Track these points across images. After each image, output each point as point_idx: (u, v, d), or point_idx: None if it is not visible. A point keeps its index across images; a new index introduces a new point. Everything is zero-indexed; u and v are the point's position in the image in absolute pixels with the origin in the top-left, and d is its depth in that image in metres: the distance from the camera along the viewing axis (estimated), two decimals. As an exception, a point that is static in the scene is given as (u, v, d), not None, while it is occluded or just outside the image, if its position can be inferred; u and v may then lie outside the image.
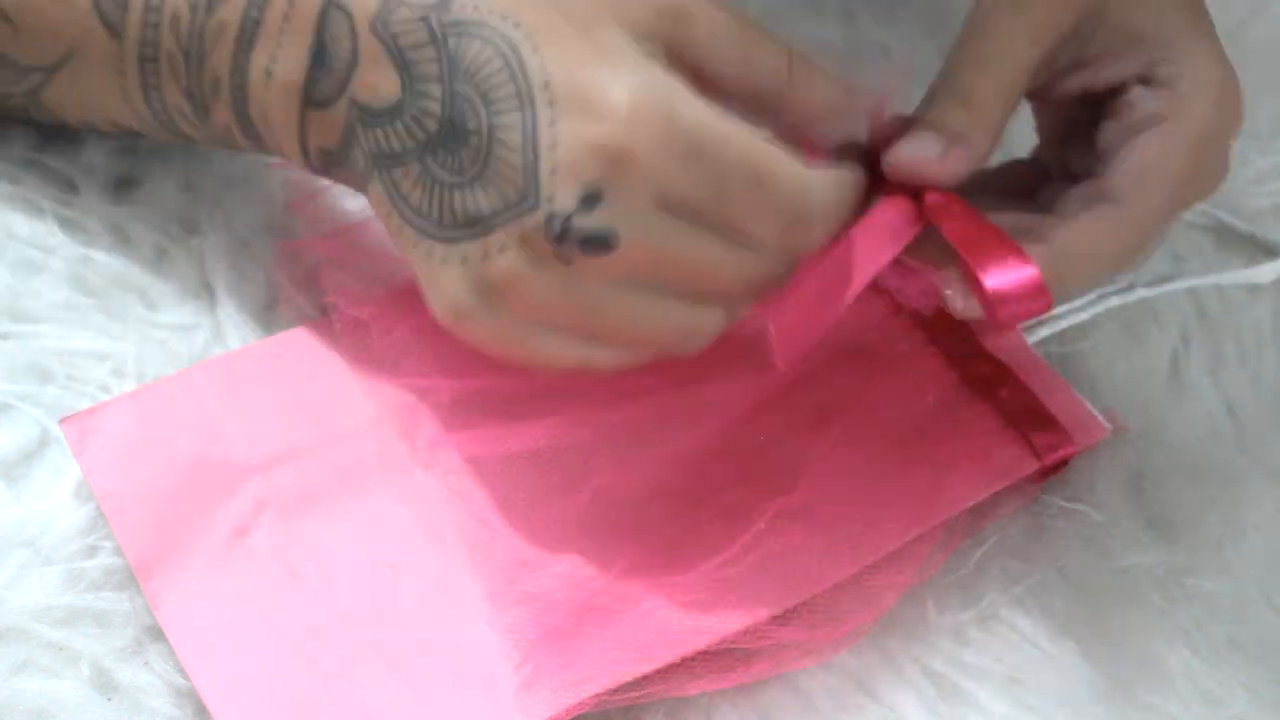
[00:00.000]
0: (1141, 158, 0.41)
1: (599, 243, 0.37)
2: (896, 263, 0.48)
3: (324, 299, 0.46)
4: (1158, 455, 0.47)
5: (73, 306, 0.45)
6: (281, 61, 0.41)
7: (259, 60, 0.41)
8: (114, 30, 0.43)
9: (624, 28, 0.38)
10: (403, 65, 0.39)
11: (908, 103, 0.41)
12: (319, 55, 0.41)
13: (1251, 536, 0.45)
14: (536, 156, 0.37)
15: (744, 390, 0.44)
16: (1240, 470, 0.47)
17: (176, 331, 0.45)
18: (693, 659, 0.39)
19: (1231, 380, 0.50)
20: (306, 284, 0.46)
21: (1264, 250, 0.53)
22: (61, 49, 0.44)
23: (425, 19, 0.39)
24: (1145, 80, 0.42)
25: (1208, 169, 0.42)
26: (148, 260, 0.47)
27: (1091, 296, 0.49)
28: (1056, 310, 0.48)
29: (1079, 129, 0.44)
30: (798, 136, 0.39)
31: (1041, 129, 0.46)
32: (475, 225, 0.38)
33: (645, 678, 0.38)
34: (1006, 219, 0.41)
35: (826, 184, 0.38)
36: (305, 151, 0.42)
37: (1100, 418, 0.46)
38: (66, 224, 0.47)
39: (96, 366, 0.44)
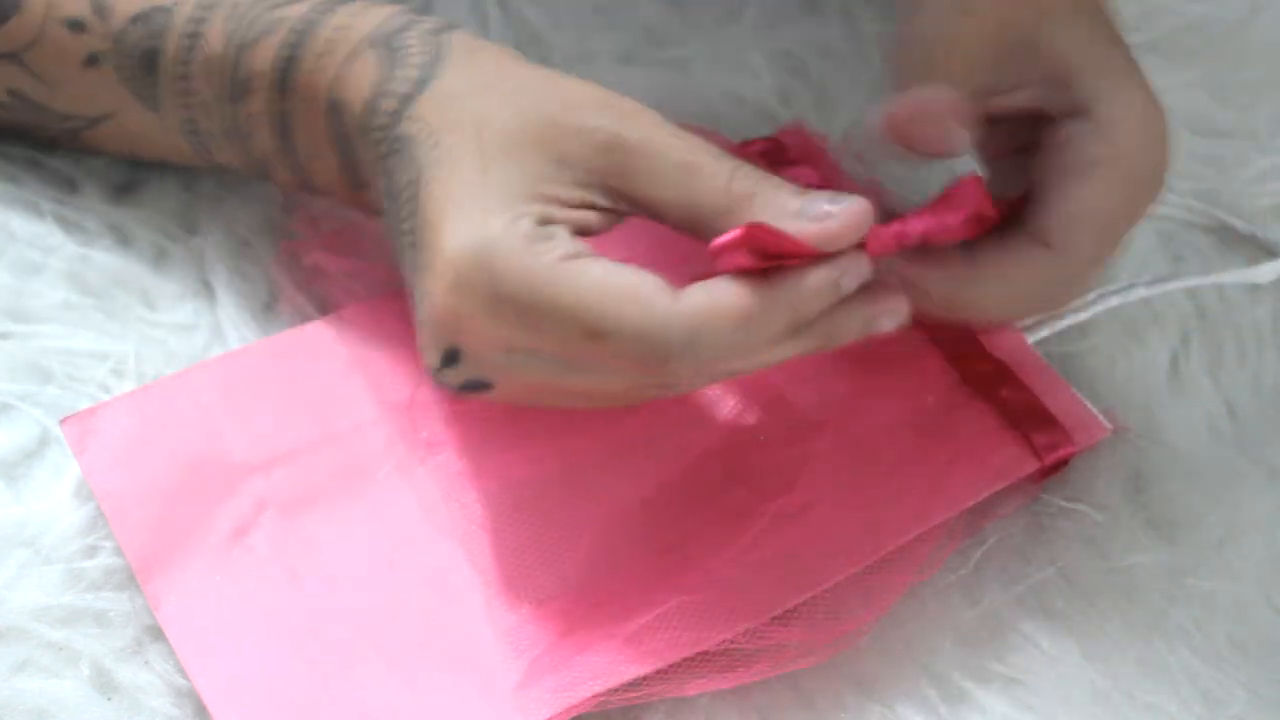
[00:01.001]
0: (1078, 205, 0.41)
1: (474, 389, 0.38)
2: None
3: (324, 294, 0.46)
4: (1158, 455, 0.47)
5: (73, 306, 0.45)
6: (319, 148, 0.42)
7: (302, 148, 0.43)
8: (149, 104, 0.44)
9: (544, 161, 0.37)
10: (383, 174, 0.40)
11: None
12: (344, 148, 0.42)
13: (1251, 536, 0.45)
14: (416, 303, 0.38)
15: (743, 392, 0.44)
16: (1240, 470, 0.47)
17: (176, 331, 0.45)
18: (693, 659, 0.39)
19: (1231, 380, 0.50)
20: (306, 284, 0.46)
21: (1264, 250, 0.53)
22: (99, 110, 0.45)
23: (387, 129, 0.39)
24: (1076, 114, 0.41)
25: (1140, 209, 0.42)
26: (147, 260, 0.47)
27: (1091, 296, 0.49)
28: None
29: (1010, 153, 0.44)
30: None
31: (977, 151, 0.45)
32: None
33: (645, 678, 0.38)
34: (938, 274, 0.41)
35: (694, 320, 0.35)
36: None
37: (1100, 418, 0.46)
38: (66, 224, 0.47)
39: (96, 366, 0.44)
